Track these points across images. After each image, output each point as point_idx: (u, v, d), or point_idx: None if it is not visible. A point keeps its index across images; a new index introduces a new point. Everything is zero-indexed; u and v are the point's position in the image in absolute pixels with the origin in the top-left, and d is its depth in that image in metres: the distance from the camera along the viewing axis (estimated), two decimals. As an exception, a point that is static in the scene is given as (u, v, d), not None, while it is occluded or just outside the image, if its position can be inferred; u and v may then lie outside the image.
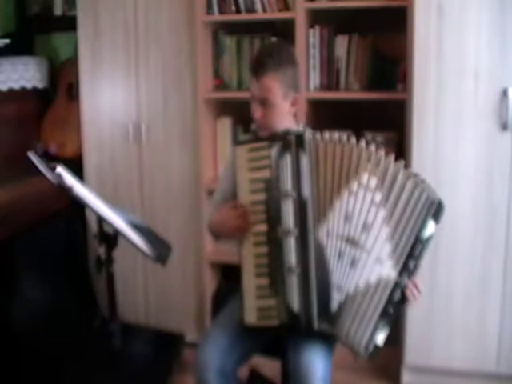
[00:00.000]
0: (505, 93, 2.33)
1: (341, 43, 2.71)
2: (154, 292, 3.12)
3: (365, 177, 1.66)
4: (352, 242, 1.69)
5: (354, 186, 1.67)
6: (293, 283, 1.72)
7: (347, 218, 1.68)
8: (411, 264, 1.67)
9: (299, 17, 2.61)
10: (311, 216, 1.71)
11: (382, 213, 1.66)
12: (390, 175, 1.66)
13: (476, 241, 2.45)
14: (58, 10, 3.34)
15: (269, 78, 1.85)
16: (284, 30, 2.73)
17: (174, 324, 3.06)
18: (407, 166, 2.46)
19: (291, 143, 1.72)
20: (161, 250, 1.87)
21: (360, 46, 2.71)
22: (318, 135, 1.73)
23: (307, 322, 1.73)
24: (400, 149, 2.70)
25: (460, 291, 2.49)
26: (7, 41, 3.18)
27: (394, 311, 1.70)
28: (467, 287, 2.49)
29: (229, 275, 2.96)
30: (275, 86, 1.86)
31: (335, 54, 2.71)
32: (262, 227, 1.79)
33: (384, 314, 1.69)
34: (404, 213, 1.65)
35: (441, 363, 2.57)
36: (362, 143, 1.69)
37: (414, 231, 1.66)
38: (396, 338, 2.69)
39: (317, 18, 2.70)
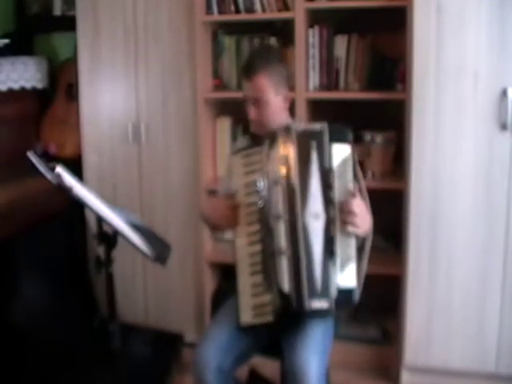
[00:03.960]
0: (504, 93, 2.33)
1: (340, 43, 2.71)
2: (153, 292, 3.12)
3: (314, 154, 1.79)
4: (317, 216, 1.77)
5: (313, 166, 1.78)
6: (283, 265, 1.75)
7: (315, 198, 1.77)
8: (329, 194, 1.77)
9: (298, 17, 2.61)
10: (299, 200, 1.77)
11: (318, 175, 1.78)
12: (319, 140, 1.80)
13: (475, 241, 2.45)
14: (57, 10, 3.34)
15: (259, 76, 1.94)
16: (283, 30, 2.73)
17: (173, 324, 3.05)
18: (407, 165, 2.49)
19: (280, 135, 1.81)
20: (160, 249, 1.87)
21: (359, 46, 2.71)
22: (302, 127, 1.84)
23: (298, 303, 1.73)
24: (399, 149, 2.70)
25: (459, 291, 2.49)
26: (6, 41, 3.18)
27: (349, 243, 1.77)
28: (466, 287, 2.49)
29: (228, 275, 2.96)
30: (266, 84, 1.94)
31: (334, 53, 2.71)
32: (256, 227, 1.85)
33: (328, 254, 1.75)
34: (317, 159, 1.79)
35: (440, 363, 2.57)
36: (316, 125, 1.81)
37: (321, 166, 1.78)
38: (395, 338, 2.69)
39: (316, 17, 2.70)
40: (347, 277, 1.77)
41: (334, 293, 1.74)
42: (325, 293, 1.74)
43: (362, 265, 1.85)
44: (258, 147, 1.88)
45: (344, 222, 1.76)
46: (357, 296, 1.79)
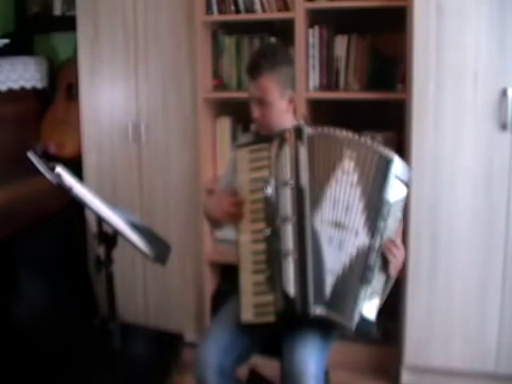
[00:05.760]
0: (504, 93, 2.33)
1: (340, 43, 2.71)
2: (153, 292, 3.12)
3: (346, 163, 1.76)
4: (338, 225, 1.76)
5: (339, 173, 1.76)
6: (289, 268, 1.75)
7: (334, 204, 1.76)
8: (381, 224, 1.74)
9: (298, 17, 2.61)
10: (308, 204, 1.76)
11: (359, 190, 1.75)
12: (362, 154, 1.77)
13: (475, 241, 2.45)
14: (57, 10, 3.34)
15: (264, 78, 1.90)
16: (283, 30, 2.73)
17: (173, 324, 3.05)
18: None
19: (290, 135, 1.79)
20: (160, 249, 1.88)
21: (359, 46, 2.71)
22: (314, 130, 1.81)
23: (302, 307, 1.73)
24: (399, 149, 2.69)
25: (459, 291, 2.49)
26: (6, 41, 3.18)
27: (380, 278, 1.77)
28: (466, 287, 2.49)
29: (228, 275, 2.96)
30: (271, 86, 1.91)
31: (335, 53, 2.71)
32: (261, 225, 1.82)
33: (364, 280, 1.74)
34: (372, 181, 1.76)
35: (440, 363, 2.57)
36: (348, 133, 1.79)
37: (378, 193, 1.75)
38: (395, 338, 2.69)
39: (316, 17, 2.70)
40: (370, 309, 1.76)
41: (356, 317, 1.74)
42: (336, 304, 1.74)
43: (380, 303, 1.83)
44: (265, 143, 1.85)
45: (386, 258, 1.76)
46: (375, 330, 1.78)
